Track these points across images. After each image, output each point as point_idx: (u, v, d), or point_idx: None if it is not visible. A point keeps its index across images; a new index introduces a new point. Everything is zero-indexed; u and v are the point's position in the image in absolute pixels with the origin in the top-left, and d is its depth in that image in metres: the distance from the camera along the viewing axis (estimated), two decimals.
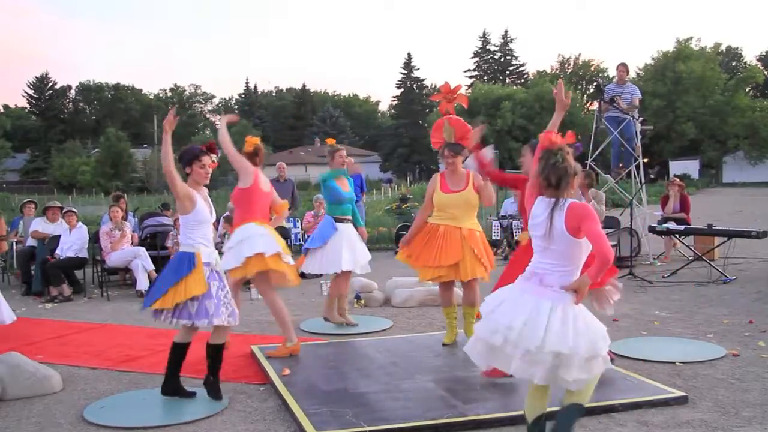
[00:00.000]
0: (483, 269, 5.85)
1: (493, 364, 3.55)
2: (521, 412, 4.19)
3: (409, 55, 71.49)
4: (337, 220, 6.89)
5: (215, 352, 4.75)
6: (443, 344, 5.99)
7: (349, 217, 7.02)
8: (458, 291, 6.55)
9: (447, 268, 5.80)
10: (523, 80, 68.76)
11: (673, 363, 5.35)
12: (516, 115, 51.34)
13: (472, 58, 72.31)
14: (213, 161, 4.76)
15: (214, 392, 4.71)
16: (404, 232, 14.11)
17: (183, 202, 4.58)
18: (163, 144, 4.55)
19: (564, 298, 3.33)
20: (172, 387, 4.75)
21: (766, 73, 60.15)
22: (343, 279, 6.95)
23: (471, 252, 5.79)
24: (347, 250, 6.77)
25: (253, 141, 5.92)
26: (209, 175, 4.74)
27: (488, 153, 5.63)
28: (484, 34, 72.37)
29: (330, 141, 7.21)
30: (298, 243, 11.71)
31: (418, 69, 71.03)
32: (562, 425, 3.46)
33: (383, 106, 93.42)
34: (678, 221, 11.03)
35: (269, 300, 5.82)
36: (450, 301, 6.16)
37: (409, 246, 6.02)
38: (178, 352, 4.73)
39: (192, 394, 4.75)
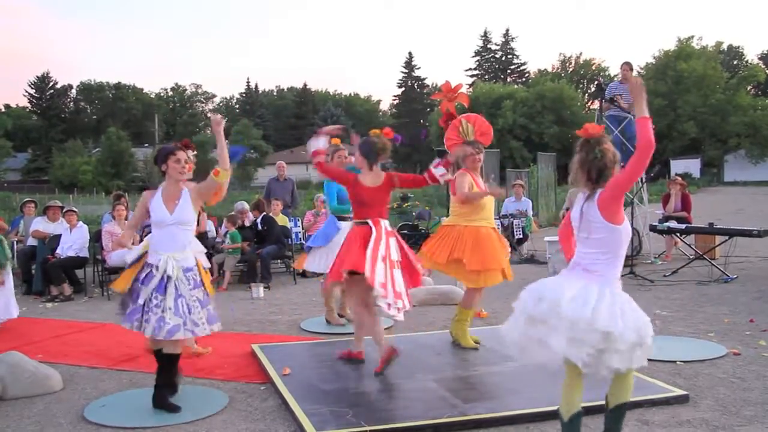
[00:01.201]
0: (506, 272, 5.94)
1: (531, 348, 3.37)
2: (521, 412, 4.22)
3: (410, 54, 71.81)
4: (340, 219, 6.89)
5: (165, 361, 4.59)
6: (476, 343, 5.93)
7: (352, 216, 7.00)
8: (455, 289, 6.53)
9: (497, 272, 5.80)
10: (524, 79, 68.84)
11: (674, 362, 5.34)
12: (517, 114, 51.35)
13: (473, 57, 72.61)
14: (189, 159, 4.58)
15: (167, 405, 4.54)
16: (405, 231, 14.26)
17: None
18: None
19: (611, 284, 3.33)
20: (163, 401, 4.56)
21: (767, 71, 60.07)
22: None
23: (506, 258, 5.85)
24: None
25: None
26: (185, 171, 4.54)
27: (439, 170, 5.40)
28: (485, 33, 72.60)
29: (335, 141, 7.19)
30: (298, 242, 11.70)
31: (419, 68, 71.36)
32: (614, 427, 3.48)
33: (384, 105, 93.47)
34: (679, 220, 11.02)
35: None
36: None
37: (445, 250, 5.71)
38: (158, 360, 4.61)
39: (178, 408, 4.50)
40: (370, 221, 5.26)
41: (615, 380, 3.43)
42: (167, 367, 4.61)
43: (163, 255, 4.44)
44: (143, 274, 4.47)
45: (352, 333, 6.69)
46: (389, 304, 4.95)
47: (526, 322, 3.36)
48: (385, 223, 5.31)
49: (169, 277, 4.40)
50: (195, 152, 4.75)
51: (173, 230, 4.50)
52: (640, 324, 3.27)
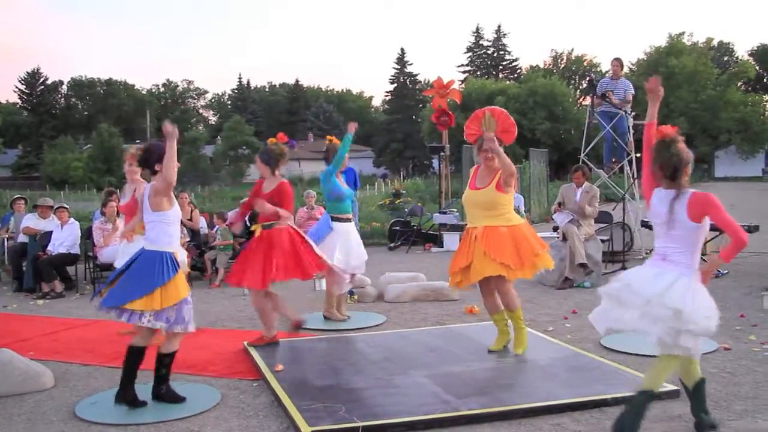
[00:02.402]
0: (497, 267, 5.28)
1: (616, 325, 3.80)
2: (514, 407, 4.23)
3: (402, 50, 71.35)
4: (335, 219, 6.89)
5: (169, 361, 4.57)
6: (489, 350, 5.60)
7: (350, 215, 7.04)
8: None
9: (461, 273, 5.51)
10: (516, 75, 68.81)
11: None
12: (509, 110, 50.96)
13: (465, 53, 72.43)
14: None
15: (174, 398, 4.58)
16: (398, 228, 14.28)
17: (162, 198, 4.48)
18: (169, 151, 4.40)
19: (688, 273, 3.65)
20: (131, 395, 4.51)
21: (757, 67, 60.27)
22: (339, 275, 6.95)
23: (480, 252, 5.34)
24: (341, 250, 6.72)
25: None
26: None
27: None
28: (477, 29, 72.62)
29: (332, 139, 7.22)
30: None
31: (412, 64, 71.33)
32: (699, 403, 3.87)
33: (376, 102, 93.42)
34: None
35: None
36: (494, 307, 5.66)
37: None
38: (137, 357, 4.56)
39: (144, 403, 4.50)
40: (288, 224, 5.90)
41: (682, 366, 3.85)
42: (170, 365, 4.65)
43: (182, 251, 4.68)
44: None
45: (345, 329, 6.73)
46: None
47: (611, 305, 3.78)
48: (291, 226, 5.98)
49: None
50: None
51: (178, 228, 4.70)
52: (711, 313, 3.59)
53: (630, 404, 3.69)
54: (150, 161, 4.59)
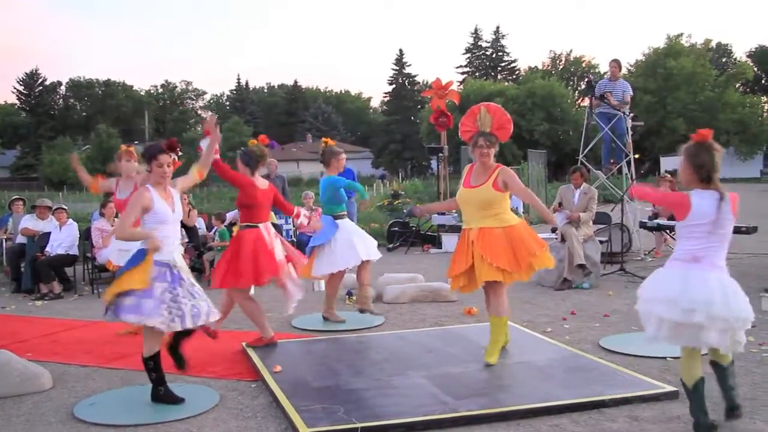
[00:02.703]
0: (494, 272, 5.14)
1: (677, 342, 3.87)
2: (512, 408, 4.23)
3: (400, 51, 71.33)
4: (336, 217, 6.95)
5: (153, 364, 4.53)
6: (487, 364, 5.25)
7: (345, 212, 7.12)
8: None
9: (463, 276, 5.33)
10: (514, 76, 68.85)
11: (664, 358, 5.36)
12: (507, 111, 51.15)
13: (463, 54, 72.41)
14: (174, 160, 4.60)
15: (173, 399, 4.57)
16: (396, 229, 14.28)
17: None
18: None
19: (727, 273, 3.88)
20: (169, 395, 4.59)
21: (756, 69, 60.35)
22: (338, 276, 7.00)
23: (479, 256, 5.20)
24: (358, 241, 6.87)
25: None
26: (167, 174, 4.54)
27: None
28: (476, 30, 72.47)
29: (327, 141, 7.24)
30: (290, 239, 11.68)
31: (410, 65, 71.25)
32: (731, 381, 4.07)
33: (375, 102, 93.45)
34: (669, 217, 11.06)
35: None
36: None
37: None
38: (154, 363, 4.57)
39: (182, 399, 4.58)
40: (261, 226, 5.91)
41: (683, 365, 3.98)
42: (156, 368, 4.59)
43: (172, 251, 4.55)
44: (156, 272, 4.42)
45: (344, 330, 6.73)
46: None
47: (670, 331, 3.81)
48: (268, 226, 6.00)
49: (180, 270, 4.55)
50: (180, 153, 4.76)
51: (176, 227, 4.66)
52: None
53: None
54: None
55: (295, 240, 11.35)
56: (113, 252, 6.92)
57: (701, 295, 3.71)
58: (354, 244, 6.80)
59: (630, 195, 4.22)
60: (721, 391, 4.05)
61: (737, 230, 9.32)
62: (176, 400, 4.55)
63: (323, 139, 7.33)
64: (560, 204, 9.36)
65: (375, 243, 7.18)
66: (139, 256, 4.42)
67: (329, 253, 6.79)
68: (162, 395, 4.56)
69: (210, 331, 5.66)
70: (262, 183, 6.02)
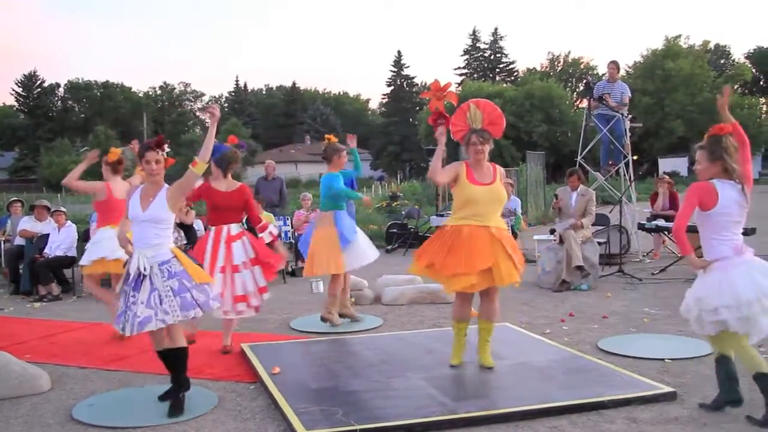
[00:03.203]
0: (517, 273, 5.07)
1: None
2: (511, 410, 4.24)
3: (399, 52, 71.73)
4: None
5: (172, 363, 4.56)
6: (452, 365, 5.22)
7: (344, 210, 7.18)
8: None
9: (479, 275, 4.96)
10: (513, 78, 68.95)
11: (662, 360, 5.37)
12: (506, 112, 50.75)
13: (462, 55, 72.56)
14: (164, 157, 4.54)
15: (178, 407, 4.54)
16: (395, 230, 14.27)
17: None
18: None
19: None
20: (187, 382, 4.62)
21: (754, 70, 60.44)
22: (338, 276, 7.00)
23: (504, 253, 4.98)
24: (363, 243, 6.98)
25: (116, 152, 6.82)
26: (155, 172, 4.50)
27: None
28: (474, 31, 72.54)
29: (331, 138, 7.25)
30: (288, 240, 11.67)
31: (408, 67, 71.21)
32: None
33: (373, 104, 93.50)
34: (667, 218, 11.08)
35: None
36: (468, 315, 5.30)
37: (427, 254, 5.15)
38: (168, 359, 4.59)
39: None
40: (213, 230, 5.90)
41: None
42: (178, 364, 4.57)
43: (136, 252, 4.43)
44: (125, 275, 4.42)
45: (342, 331, 6.72)
46: (226, 311, 5.76)
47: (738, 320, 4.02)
48: (229, 228, 5.89)
49: (143, 274, 4.35)
50: (169, 149, 4.70)
51: (145, 227, 4.46)
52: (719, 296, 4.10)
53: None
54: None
55: (293, 242, 11.35)
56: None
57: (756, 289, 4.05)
58: (362, 245, 6.94)
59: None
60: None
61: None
62: (179, 411, 4.48)
63: (326, 136, 7.33)
64: (560, 209, 9.33)
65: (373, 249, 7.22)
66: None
67: (355, 248, 6.85)
68: (179, 401, 4.51)
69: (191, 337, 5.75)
70: (225, 186, 5.95)
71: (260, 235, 6.09)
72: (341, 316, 7.10)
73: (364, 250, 6.94)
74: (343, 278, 7.02)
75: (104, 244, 6.40)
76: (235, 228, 5.93)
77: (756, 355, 4.12)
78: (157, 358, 4.64)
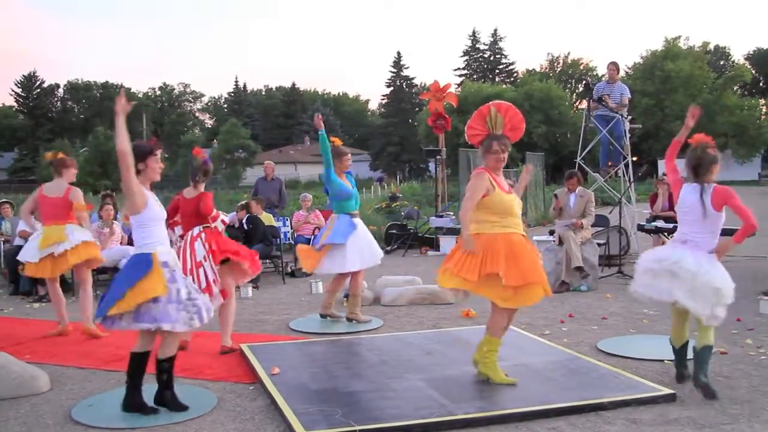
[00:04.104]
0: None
1: (662, 296, 4.57)
2: (510, 411, 4.24)
3: (398, 53, 71.83)
4: (351, 216, 7.07)
5: (168, 366, 4.51)
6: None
7: (357, 212, 7.21)
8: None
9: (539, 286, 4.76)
10: (512, 79, 68.95)
11: (662, 361, 5.37)
12: None
13: (461, 56, 72.54)
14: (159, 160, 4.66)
15: (177, 406, 4.51)
16: (394, 231, 14.28)
17: (135, 200, 4.34)
18: (119, 130, 4.31)
19: (712, 254, 4.54)
20: (137, 403, 4.45)
21: (753, 71, 60.47)
22: (357, 275, 7.12)
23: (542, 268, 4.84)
24: (360, 249, 6.96)
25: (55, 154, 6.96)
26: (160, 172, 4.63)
27: None
28: (474, 32, 72.51)
29: (337, 141, 7.30)
30: (287, 242, 11.68)
31: (408, 68, 71.26)
32: (702, 362, 4.54)
33: (373, 105, 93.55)
34: (667, 219, 11.06)
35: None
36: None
37: (472, 265, 4.65)
38: (140, 362, 4.49)
39: (156, 410, 4.45)
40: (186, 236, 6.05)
41: (702, 330, 4.56)
42: (172, 369, 4.60)
43: (170, 250, 4.55)
44: (168, 275, 4.39)
45: (342, 332, 6.72)
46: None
47: (649, 276, 4.60)
48: (192, 231, 5.98)
49: (176, 267, 4.52)
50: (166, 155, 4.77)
51: (164, 226, 4.60)
52: (731, 288, 4.52)
53: (698, 361, 4.53)
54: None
55: (292, 242, 11.35)
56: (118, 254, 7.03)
57: (673, 255, 4.63)
58: (360, 246, 6.95)
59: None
60: None
61: (734, 233, 9.35)
62: (180, 408, 4.48)
63: (332, 138, 7.36)
64: (560, 209, 9.31)
65: (380, 252, 7.27)
66: (145, 262, 4.34)
67: (341, 252, 6.87)
68: (168, 400, 4.51)
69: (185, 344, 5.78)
70: (192, 194, 6.07)
71: (213, 225, 6.10)
72: (348, 320, 7.18)
73: (356, 255, 6.91)
74: (356, 278, 7.14)
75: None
76: (196, 229, 6.00)
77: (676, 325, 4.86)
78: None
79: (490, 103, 5.03)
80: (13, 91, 76.49)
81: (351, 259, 6.89)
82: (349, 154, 7.24)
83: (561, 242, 8.91)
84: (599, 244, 9.61)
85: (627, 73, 53.03)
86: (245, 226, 10.28)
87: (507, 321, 4.94)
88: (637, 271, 4.73)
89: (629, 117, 11.80)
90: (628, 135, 11.74)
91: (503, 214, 4.79)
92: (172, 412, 4.45)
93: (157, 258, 4.35)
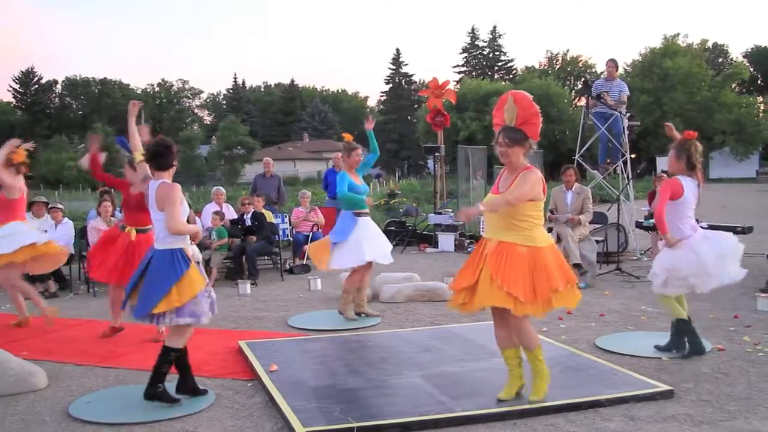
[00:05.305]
0: (504, 297, 4.17)
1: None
2: (509, 408, 4.24)
3: (397, 50, 71.77)
4: (356, 214, 7.09)
5: (172, 357, 4.56)
6: (499, 399, 4.41)
7: (367, 210, 7.24)
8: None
9: (466, 292, 4.38)
10: (511, 76, 68.90)
11: (660, 358, 5.38)
12: None
13: (460, 53, 72.49)
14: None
15: (196, 391, 4.68)
16: (393, 228, 14.26)
17: (179, 207, 4.46)
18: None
19: None
20: (191, 386, 4.70)
21: (751, 69, 60.48)
22: (364, 271, 7.13)
23: (488, 275, 4.24)
24: (368, 241, 6.98)
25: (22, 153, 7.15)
26: None
27: None
28: (473, 29, 72.49)
29: (348, 137, 7.35)
30: (286, 238, 11.68)
31: (407, 64, 71.37)
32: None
33: (372, 102, 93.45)
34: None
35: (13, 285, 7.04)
36: (506, 340, 4.50)
37: (546, 282, 4.30)
38: (183, 357, 4.66)
39: (177, 400, 4.56)
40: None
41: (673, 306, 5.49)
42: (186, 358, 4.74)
43: (192, 245, 4.69)
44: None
45: (340, 329, 6.72)
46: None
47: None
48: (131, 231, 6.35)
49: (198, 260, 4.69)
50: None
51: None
52: None
53: (678, 333, 5.51)
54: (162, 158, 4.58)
55: (291, 239, 11.34)
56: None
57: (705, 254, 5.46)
58: (363, 244, 6.94)
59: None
60: None
61: (732, 230, 9.35)
62: (172, 400, 4.52)
63: (343, 134, 7.46)
64: (552, 211, 9.29)
65: (389, 246, 7.31)
66: (181, 258, 4.43)
67: (347, 249, 6.91)
68: (159, 393, 4.52)
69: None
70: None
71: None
72: (357, 314, 7.21)
73: (356, 252, 6.93)
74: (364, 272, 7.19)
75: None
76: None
77: (677, 305, 5.53)
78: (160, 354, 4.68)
79: (510, 91, 4.65)
80: (11, 87, 76.53)
81: (356, 254, 6.92)
82: (360, 149, 7.27)
83: (559, 239, 8.90)
84: (597, 241, 9.61)
85: (626, 70, 53.00)
86: (248, 222, 10.27)
87: (496, 330, 4.55)
88: (712, 265, 5.35)
89: (628, 114, 11.78)
90: (626, 132, 11.73)
91: (486, 216, 4.57)
92: (169, 407, 4.45)
93: (188, 253, 4.49)
